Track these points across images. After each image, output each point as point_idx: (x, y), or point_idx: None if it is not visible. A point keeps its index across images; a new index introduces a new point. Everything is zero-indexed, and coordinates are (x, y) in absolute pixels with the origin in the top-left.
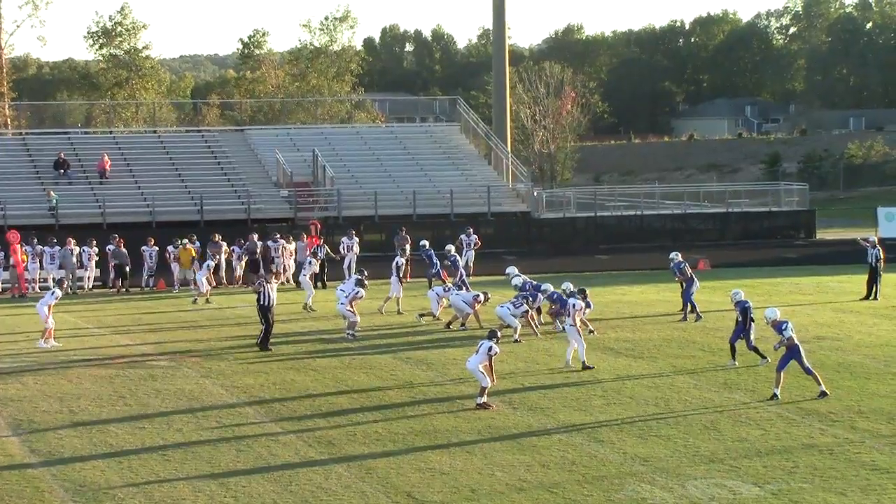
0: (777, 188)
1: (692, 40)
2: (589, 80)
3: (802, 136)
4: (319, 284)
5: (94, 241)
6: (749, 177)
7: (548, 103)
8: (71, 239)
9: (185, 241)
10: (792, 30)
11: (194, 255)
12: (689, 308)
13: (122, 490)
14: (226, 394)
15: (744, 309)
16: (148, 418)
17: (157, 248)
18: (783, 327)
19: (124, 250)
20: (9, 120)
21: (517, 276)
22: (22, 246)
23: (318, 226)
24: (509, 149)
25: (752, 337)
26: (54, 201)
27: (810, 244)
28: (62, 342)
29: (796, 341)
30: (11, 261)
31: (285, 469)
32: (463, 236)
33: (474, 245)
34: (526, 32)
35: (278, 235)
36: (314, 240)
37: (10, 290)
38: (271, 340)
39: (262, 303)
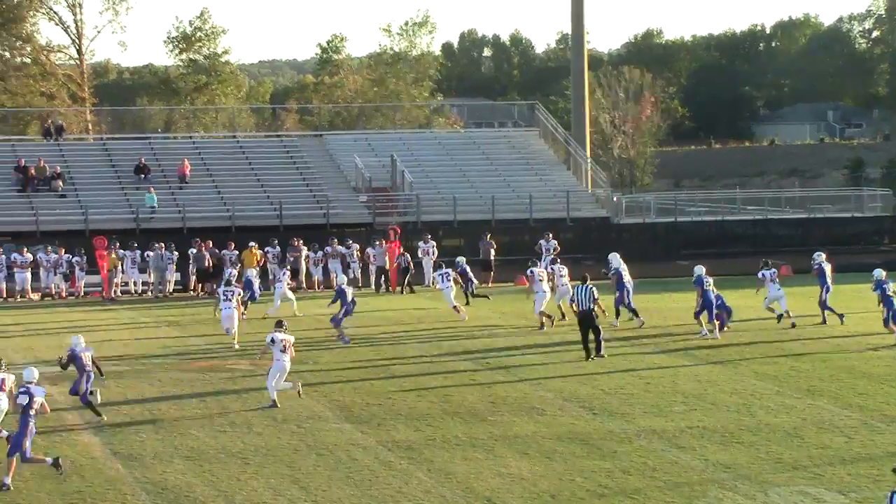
0: (860, 193)
1: (773, 44)
2: (669, 84)
3: (885, 140)
4: (407, 289)
5: (174, 246)
6: (831, 182)
7: (627, 108)
8: (162, 244)
9: (253, 243)
10: (875, 33)
11: (259, 257)
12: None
13: (202, 493)
14: (305, 398)
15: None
16: (228, 421)
17: (238, 252)
18: None
19: (206, 253)
20: (90, 125)
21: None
22: (110, 250)
23: (398, 231)
24: (588, 154)
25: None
26: (154, 201)
27: (895, 250)
28: (145, 345)
29: None
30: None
31: (365, 473)
32: (542, 241)
33: (554, 251)
34: (605, 37)
35: (350, 241)
36: (394, 245)
37: (95, 294)
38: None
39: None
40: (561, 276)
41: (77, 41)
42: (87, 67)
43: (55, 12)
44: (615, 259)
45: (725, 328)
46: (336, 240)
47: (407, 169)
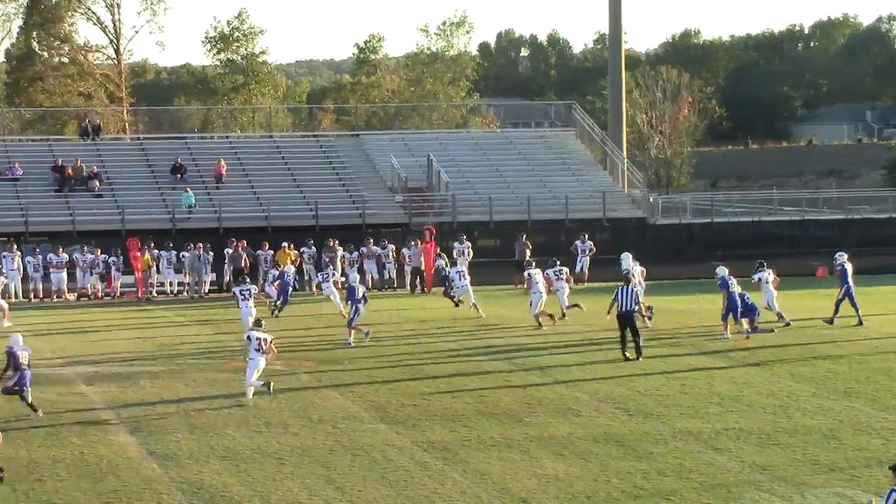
0: None
1: (811, 44)
2: (706, 84)
3: None
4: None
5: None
6: (869, 183)
7: (664, 108)
8: (200, 244)
9: (286, 243)
10: None
11: (293, 257)
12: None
13: (238, 493)
14: (341, 398)
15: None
16: (264, 422)
17: (273, 252)
18: None
19: (242, 253)
20: (127, 125)
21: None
22: (144, 250)
23: (434, 231)
24: (625, 154)
25: None
26: (192, 200)
27: None
28: (180, 345)
29: None
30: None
31: (401, 474)
32: (578, 242)
33: (589, 251)
34: (642, 37)
35: (386, 241)
36: (429, 245)
37: (130, 294)
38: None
39: None
40: (559, 278)
41: (115, 41)
42: (124, 67)
43: (93, 12)
44: (627, 259)
45: (757, 327)
46: (372, 240)
47: (443, 169)
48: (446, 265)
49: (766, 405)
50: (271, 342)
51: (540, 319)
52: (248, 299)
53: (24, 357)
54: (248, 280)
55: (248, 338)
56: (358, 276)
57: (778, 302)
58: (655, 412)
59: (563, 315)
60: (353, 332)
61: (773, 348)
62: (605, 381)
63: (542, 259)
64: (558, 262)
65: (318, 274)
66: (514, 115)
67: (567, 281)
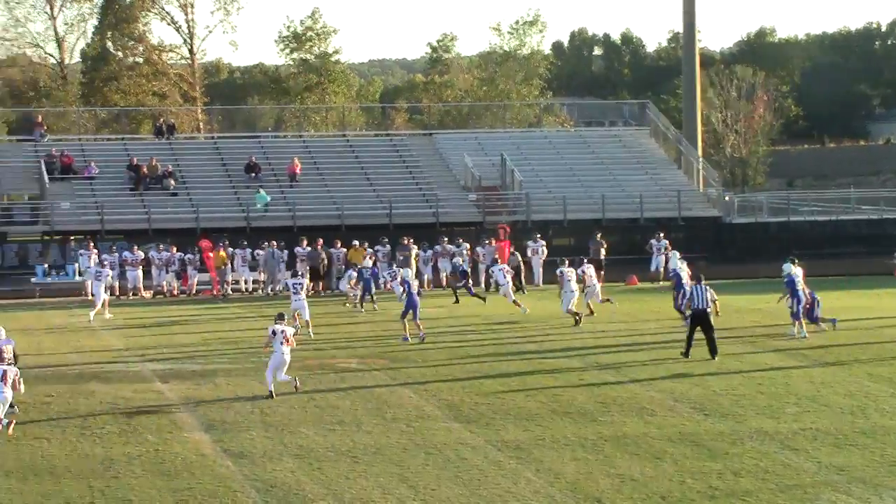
0: None
1: (889, 42)
2: (782, 83)
3: None
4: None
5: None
6: None
7: (739, 107)
8: (274, 242)
9: (356, 241)
10: None
11: (365, 255)
12: None
13: (311, 491)
14: (415, 397)
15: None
16: (337, 420)
17: (345, 251)
18: None
19: (320, 252)
20: (201, 124)
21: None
22: (219, 248)
23: (507, 230)
24: (700, 153)
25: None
26: (267, 199)
27: None
28: (255, 343)
29: None
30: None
31: (474, 473)
32: (653, 241)
33: (665, 250)
34: (717, 35)
35: (460, 240)
36: (503, 244)
37: (206, 292)
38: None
39: None
40: (589, 276)
41: (189, 41)
42: (198, 67)
43: (167, 12)
44: (674, 259)
45: (822, 324)
46: (446, 239)
47: (516, 168)
48: (463, 262)
49: (844, 405)
50: (293, 336)
51: (575, 317)
52: (300, 293)
53: (7, 351)
54: (301, 274)
55: (273, 332)
56: (410, 273)
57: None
58: (731, 412)
59: (591, 312)
60: (407, 326)
61: (850, 347)
62: (680, 380)
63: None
64: (585, 261)
65: (387, 272)
66: (588, 115)
67: (599, 279)
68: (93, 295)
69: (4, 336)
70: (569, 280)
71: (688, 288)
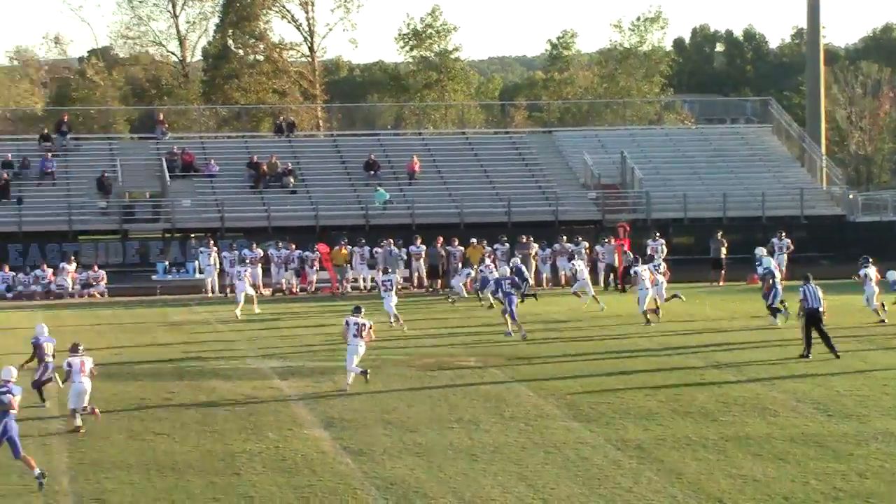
0: None
1: None
2: None
3: None
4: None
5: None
6: None
7: (864, 103)
8: (391, 240)
9: (474, 239)
10: None
11: (483, 253)
12: None
13: (431, 489)
14: (533, 395)
15: None
16: (456, 418)
17: (462, 249)
18: None
19: (441, 250)
20: (321, 122)
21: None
22: (340, 246)
23: (627, 228)
24: (823, 151)
25: None
26: (386, 196)
27: None
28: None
29: None
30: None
31: (594, 472)
32: (774, 240)
33: (787, 249)
34: (841, 31)
35: (579, 238)
36: (623, 242)
37: (325, 289)
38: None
39: None
40: (643, 277)
41: (309, 39)
42: (318, 64)
43: (288, 10)
44: (766, 257)
45: None
46: (565, 237)
47: (637, 166)
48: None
49: None
50: (370, 328)
51: (648, 316)
52: (390, 290)
53: (48, 348)
54: (391, 271)
55: (347, 323)
56: (508, 270)
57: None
58: (855, 413)
59: (658, 309)
60: (509, 322)
61: None
62: (803, 380)
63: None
64: (656, 257)
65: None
66: (709, 112)
67: (664, 275)
68: (233, 291)
69: (46, 334)
70: (644, 279)
71: (795, 288)
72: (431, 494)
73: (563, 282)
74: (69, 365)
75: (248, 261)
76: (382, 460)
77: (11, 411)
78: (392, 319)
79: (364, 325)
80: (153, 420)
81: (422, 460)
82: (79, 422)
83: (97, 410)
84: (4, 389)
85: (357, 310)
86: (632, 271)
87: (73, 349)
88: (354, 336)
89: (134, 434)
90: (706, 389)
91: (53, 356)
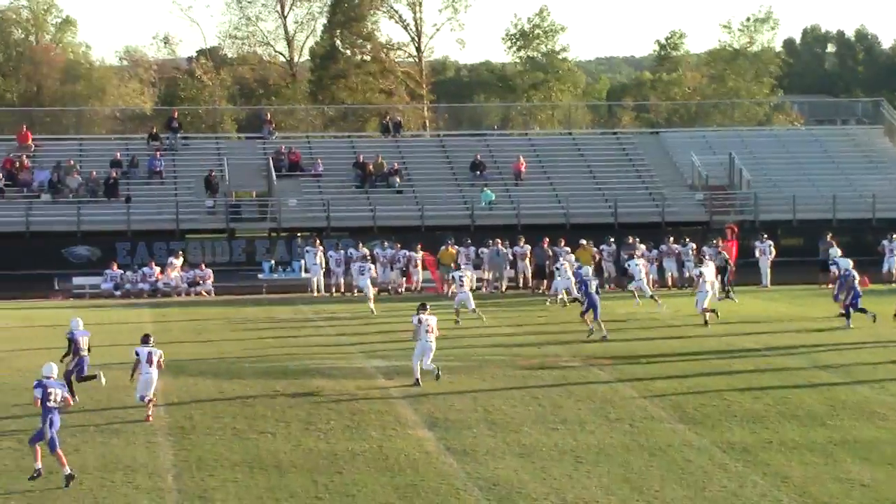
0: None
1: None
2: None
3: None
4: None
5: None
6: None
7: None
8: (498, 240)
9: (584, 241)
10: None
11: (592, 254)
12: None
13: (534, 490)
14: (638, 396)
15: None
16: (560, 419)
17: (569, 249)
18: None
19: (548, 250)
20: (427, 122)
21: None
22: (446, 245)
23: (735, 229)
24: None
25: None
26: (492, 197)
27: None
28: (477, 341)
29: None
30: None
31: (699, 475)
32: (885, 241)
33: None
34: None
35: (687, 239)
36: (731, 244)
37: (429, 289)
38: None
39: None
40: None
41: (416, 39)
42: (425, 65)
43: (395, 10)
44: (844, 259)
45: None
46: (671, 238)
47: (745, 167)
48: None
49: None
50: (435, 324)
51: (707, 316)
52: (464, 285)
53: (83, 342)
54: (461, 267)
55: (419, 321)
56: (589, 269)
57: None
58: None
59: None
60: (589, 321)
61: None
62: None
63: None
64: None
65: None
66: (819, 113)
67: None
68: (360, 290)
69: (81, 327)
70: (705, 280)
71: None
72: (534, 495)
73: (668, 283)
74: (137, 354)
75: (368, 259)
76: (486, 461)
77: (49, 405)
78: (458, 317)
79: (430, 322)
80: (257, 418)
81: (525, 461)
82: (150, 410)
83: (154, 403)
84: (37, 384)
85: (422, 307)
86: (695, 272)
87: (145, 340)
88: (426, 332)
89: (238, 432)
90: (814, 391)
91: (89, 350)
